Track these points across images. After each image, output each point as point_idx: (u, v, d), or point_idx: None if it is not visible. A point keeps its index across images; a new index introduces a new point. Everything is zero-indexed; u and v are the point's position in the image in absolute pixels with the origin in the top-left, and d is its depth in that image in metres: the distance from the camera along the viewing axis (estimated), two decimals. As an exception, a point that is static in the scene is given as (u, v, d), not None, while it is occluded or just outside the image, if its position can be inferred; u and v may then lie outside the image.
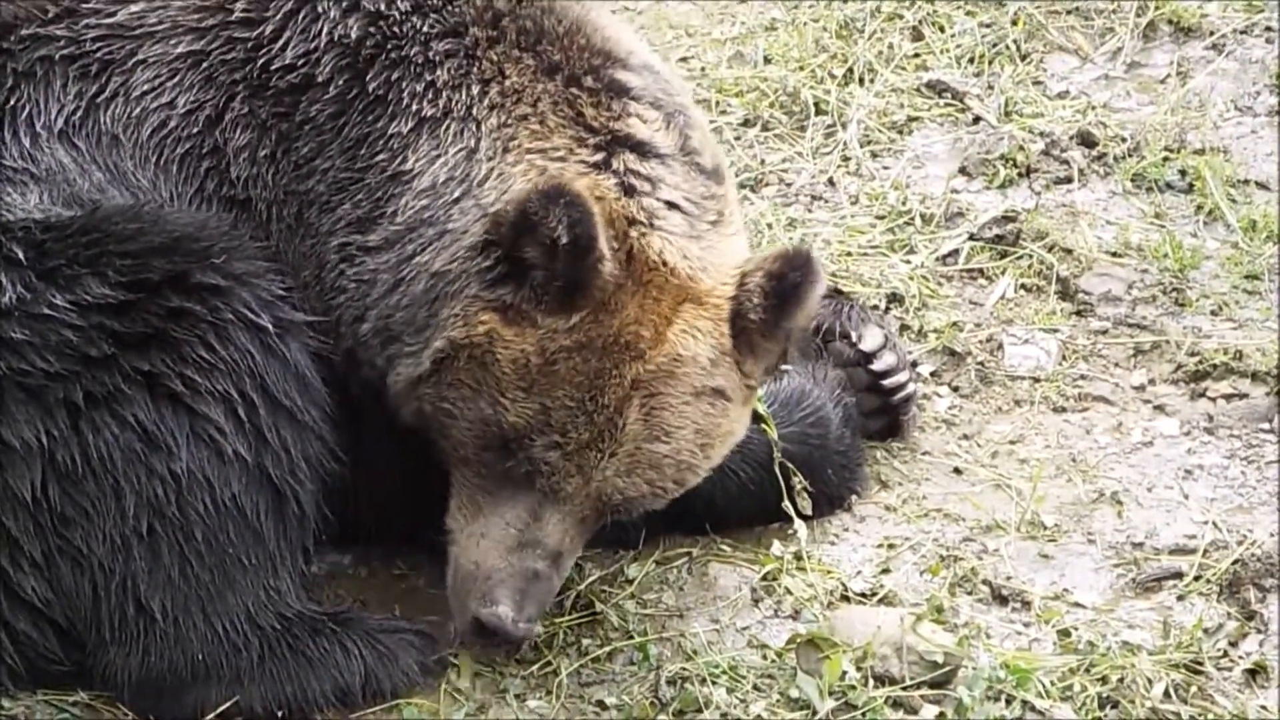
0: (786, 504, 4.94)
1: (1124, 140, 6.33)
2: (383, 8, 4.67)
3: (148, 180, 4.66)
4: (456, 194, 4.55)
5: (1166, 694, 4.53)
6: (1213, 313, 5.74)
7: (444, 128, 4.59)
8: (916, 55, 6.72)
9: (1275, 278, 5.82)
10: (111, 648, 4.48)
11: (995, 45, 6.75)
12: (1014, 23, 6.78)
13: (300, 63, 4.67)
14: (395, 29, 4.66)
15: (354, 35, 4.66)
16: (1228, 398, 5.47)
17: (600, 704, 4.58)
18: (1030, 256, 5.93)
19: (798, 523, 4.93)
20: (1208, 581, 4.86)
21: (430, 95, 4.61)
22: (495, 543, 4.53)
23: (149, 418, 4.40)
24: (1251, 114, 6.48)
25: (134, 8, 4.73)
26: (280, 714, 4.53)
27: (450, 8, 4.68)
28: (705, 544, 5.03)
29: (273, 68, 4.67)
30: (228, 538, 4.46)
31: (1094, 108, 6.50)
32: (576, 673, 4.66)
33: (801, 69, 6.69)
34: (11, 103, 4.65)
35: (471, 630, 4.53)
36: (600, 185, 4.48)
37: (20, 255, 4.42)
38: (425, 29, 4.66)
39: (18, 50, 4.69)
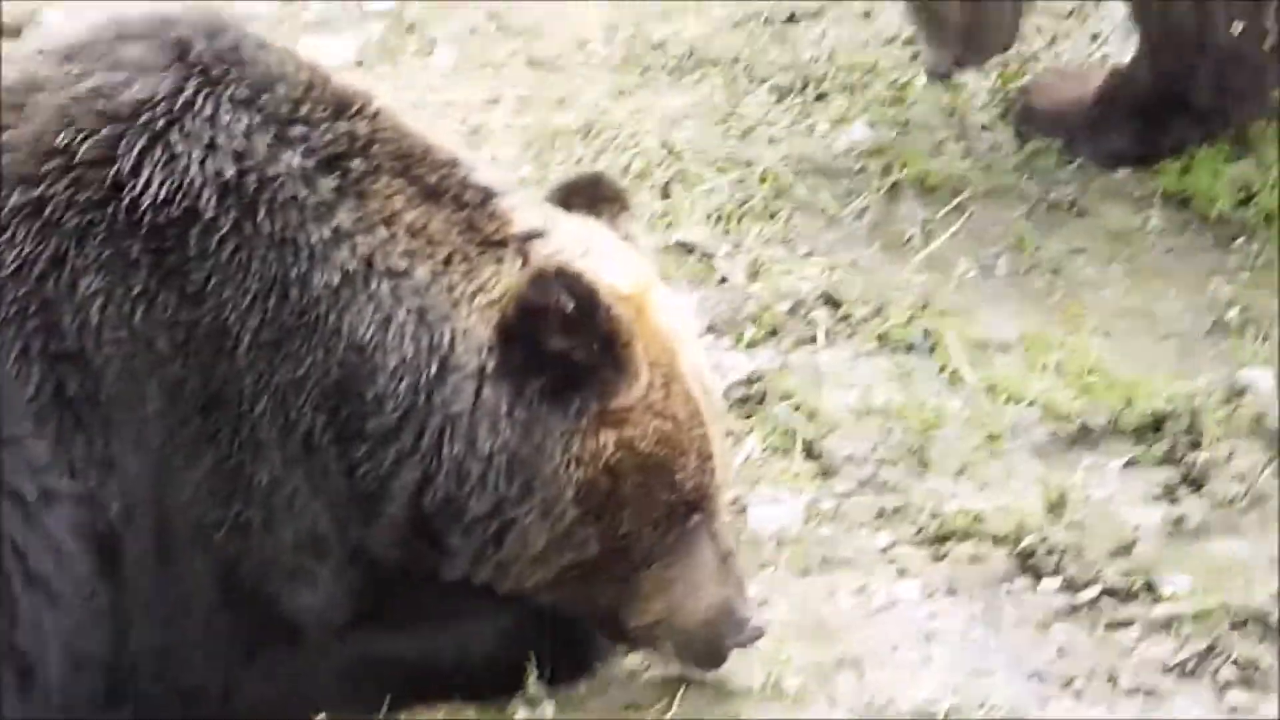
0: (533, 681, 4.91)
1: (869, 301, 6.39)
2: (244, 145, 4.57)
3: None
4: (434, 369, 4.56)
5: None
6: (955, 475, 5.78)
7: (375, 287, 4.56)
8: (665, 215, 6.73)
9: (1015, 440, 5.89)
10: None
11: (744, 204, 6.80)
12: (762, 181, 6.84)
13: (176, 196, 4.54)
14: (268, 167, 4.57)
15: (228, 173, 4.55)
16: (969, 560, 5.49)
17: None
18: (776, 417, 5.94)
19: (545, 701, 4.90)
20: (949, 747, 4.87)
21: (345, 246, 4.56)
22: (707, 587, 4.78)
23: None
24: (993, 275, 6.57)
25: None
26: None
27: (315, 137, 4.62)
28: (451, 710, 4.93)
29: (142, 205, 4.53)
30: None
31: (840, 267, 6.56)
32: None
33: (551, 226, 6.67)
34: None
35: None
36: (515, 283, 4.60)
37: None
38: (300, 165, 4.59)
39: None
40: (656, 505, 4.64)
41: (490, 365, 4.58)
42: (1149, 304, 6.48)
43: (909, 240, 6.69)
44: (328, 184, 4.60)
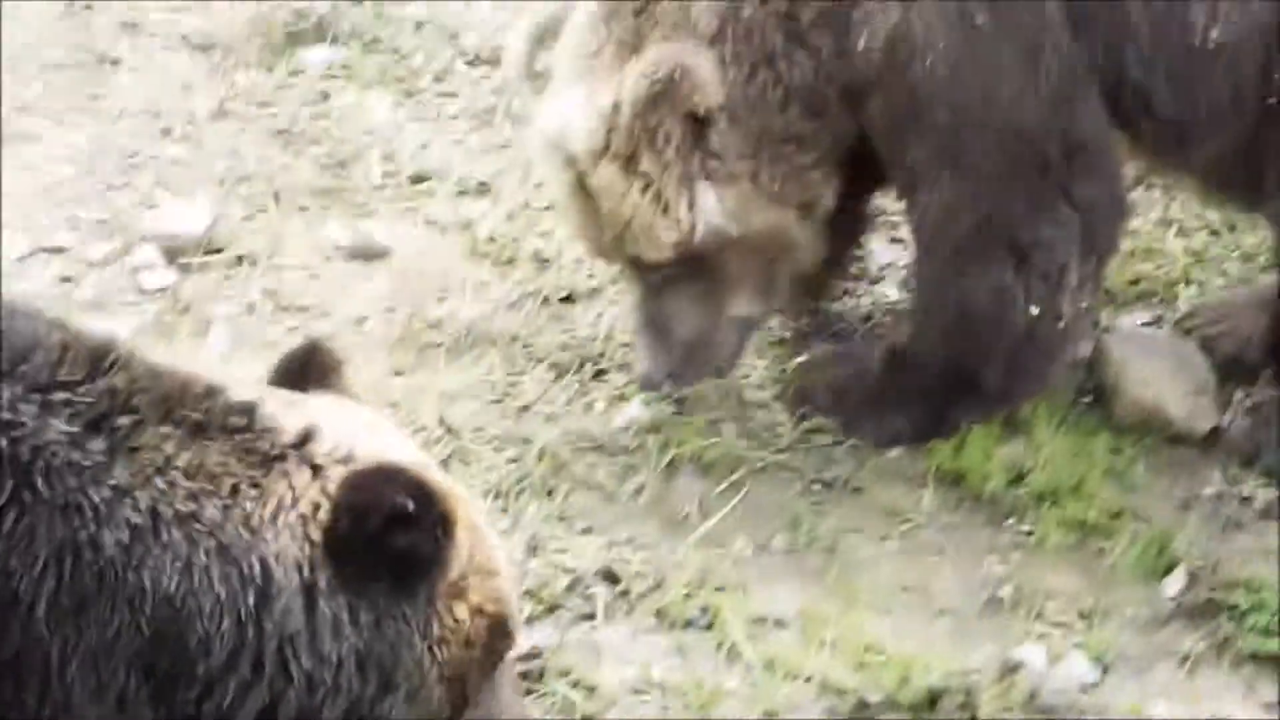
0: None
1: (647, 577, 6.38)
2: (11, 416, 4.46)
3: None
4: (253, 600, 4.46)
5: None
6: (734, 750, 5.75)
7: (167, 537, 4.46)
8: (443, 491, 6.68)
9: (793, 716, 5.87)
10: None
11: (521, 481, 6.77)
12: (539, 459, 6.83)
13: None
14: (38, 436, 4.46)
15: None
16: (749, 836, 5.45)
17: None
18: (555, 694, 5.88)
19: None
20: None
21: (127, 503, 4.47)
22: (510, 710, 4.78)
23: None
24: (770, 552, 6.60)
25: None
26: None
27: (78, 400, 4.52)
28: None
29: None
30: None
31: (618, 544, 6.55)
32: None
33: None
34: None
35: None
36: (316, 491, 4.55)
37: None
38: (68, 430, 4.48)
39: None
40: (496, 655, 4.68)
41: (321, 579, 4.51)
42: (924, 581, 6.54)
43: (686, 517, 6.70)
44: (98, 446, 4.52)
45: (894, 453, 6.95)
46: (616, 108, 6.59)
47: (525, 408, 7.09)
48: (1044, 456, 6.84)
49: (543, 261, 7.67)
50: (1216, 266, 7.61)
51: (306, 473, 4.59)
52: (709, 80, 6.55)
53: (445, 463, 6.78)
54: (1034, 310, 6.71)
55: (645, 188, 6.62)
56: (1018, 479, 6.83)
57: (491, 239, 7.77)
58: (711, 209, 6.63)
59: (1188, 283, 7.52)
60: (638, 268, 6.82)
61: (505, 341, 7.32)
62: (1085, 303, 6.81)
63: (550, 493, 6.75)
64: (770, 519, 6.72)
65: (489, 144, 8.21)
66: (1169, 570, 6.58)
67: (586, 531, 6.63)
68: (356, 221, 7.83)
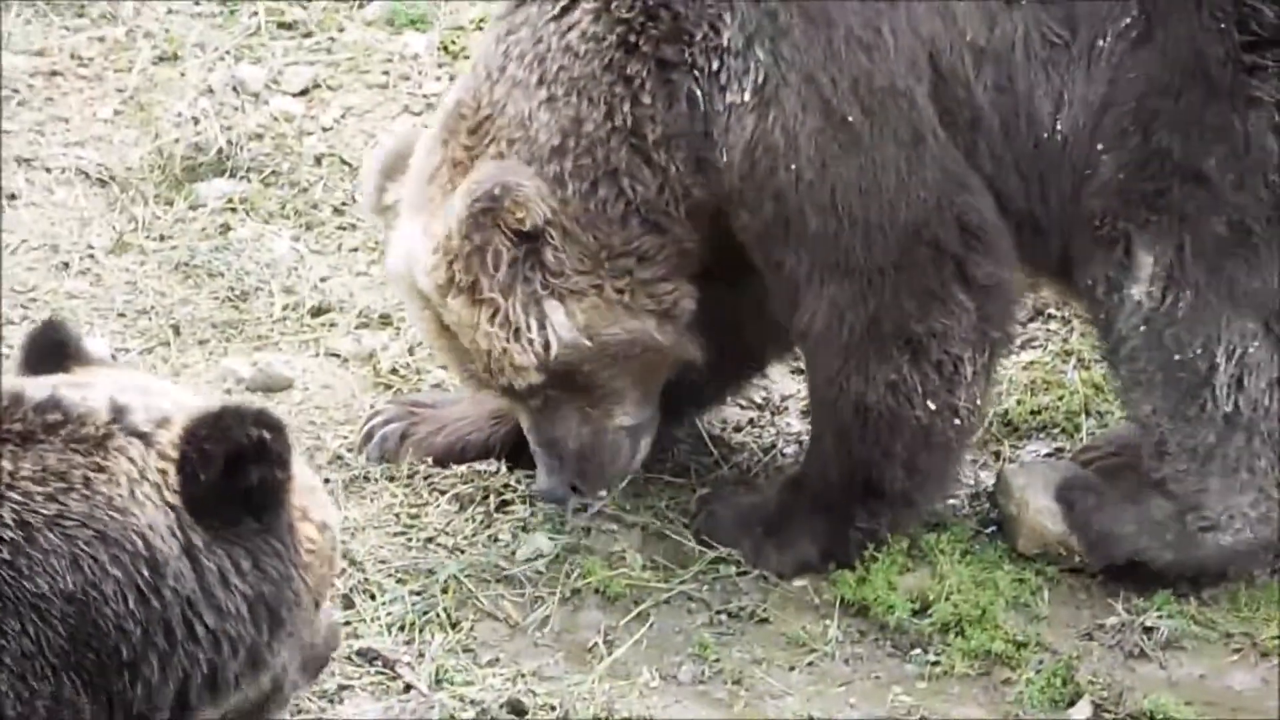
0: None
1: (553, 709, 6.34)
2: None
3: None
4: (146, 573, 4.62)
5: None
6: None
7: (45, 541, 4.59)
8: (348, 623, 6.62)
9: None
10: None
11: (426, 613, 6.72)
12: (444, 591, 6.78)
13: None
14: None
15: None
16: None
17: None
18: (461, 828, 5.82)
19: None
20: None
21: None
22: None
23: None
24: (676, 683, 6.57)
25: None
26: None
27: None
28: None
29: None
30: None
31: (524, 675, 6.50)
32: None
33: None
34: None
35: None
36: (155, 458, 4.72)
37: None
38: None
39: None
40: (334, 569, 5.03)
41: (196, 538, 4.69)
42: (830, 711, 6.52)
43: (592, 648, 6.68)
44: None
45: (799, 583, 6.94)
46: (449, 235, 6.56)
47: (430, 540, 7.04)
48: (948, 587, 6.85)
49: (446, 393, 7.64)
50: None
51: (138, 444, 4.74)
52: (532, 197, 6.50)
53: (349, 596, 6.73)
54: (930, 405, 6.70)
55: (493, 316, 6.57)
56: (922, 609, 6.83)
57: (394, 371, 7.75)
58: (562, 324, 6.59)
59: (1088, 414, 7.57)
60: (514, 395, 6.77)
61: (408, 473, 7.28)
62: (979, 400, 6.80)
63: (455, 625, 6.70)
64: (676, 650, 6.70)
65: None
66: (1074, 700, 6.59)
67: (492, 663, 6.58)
68: (258, 354, 7.78)
